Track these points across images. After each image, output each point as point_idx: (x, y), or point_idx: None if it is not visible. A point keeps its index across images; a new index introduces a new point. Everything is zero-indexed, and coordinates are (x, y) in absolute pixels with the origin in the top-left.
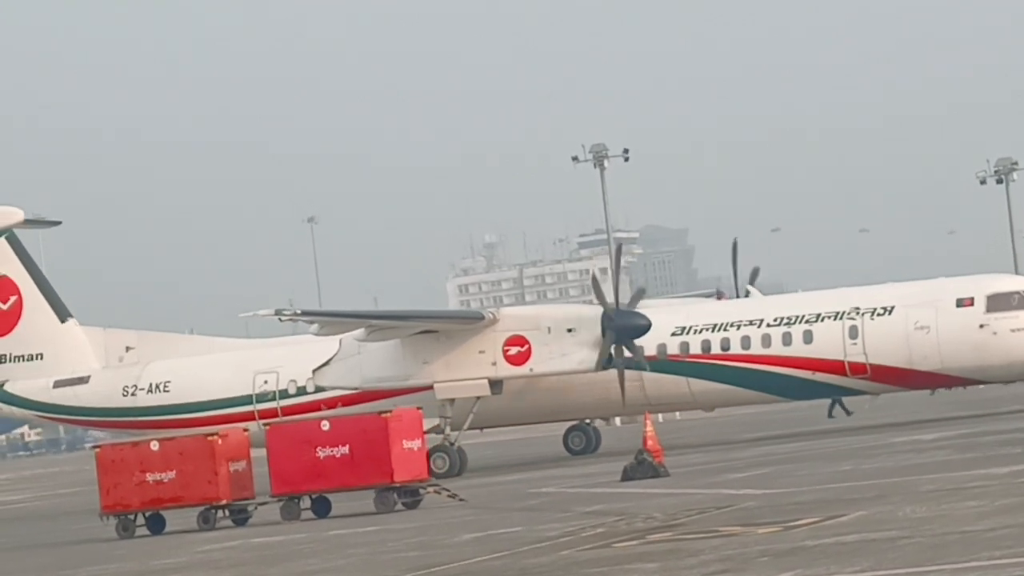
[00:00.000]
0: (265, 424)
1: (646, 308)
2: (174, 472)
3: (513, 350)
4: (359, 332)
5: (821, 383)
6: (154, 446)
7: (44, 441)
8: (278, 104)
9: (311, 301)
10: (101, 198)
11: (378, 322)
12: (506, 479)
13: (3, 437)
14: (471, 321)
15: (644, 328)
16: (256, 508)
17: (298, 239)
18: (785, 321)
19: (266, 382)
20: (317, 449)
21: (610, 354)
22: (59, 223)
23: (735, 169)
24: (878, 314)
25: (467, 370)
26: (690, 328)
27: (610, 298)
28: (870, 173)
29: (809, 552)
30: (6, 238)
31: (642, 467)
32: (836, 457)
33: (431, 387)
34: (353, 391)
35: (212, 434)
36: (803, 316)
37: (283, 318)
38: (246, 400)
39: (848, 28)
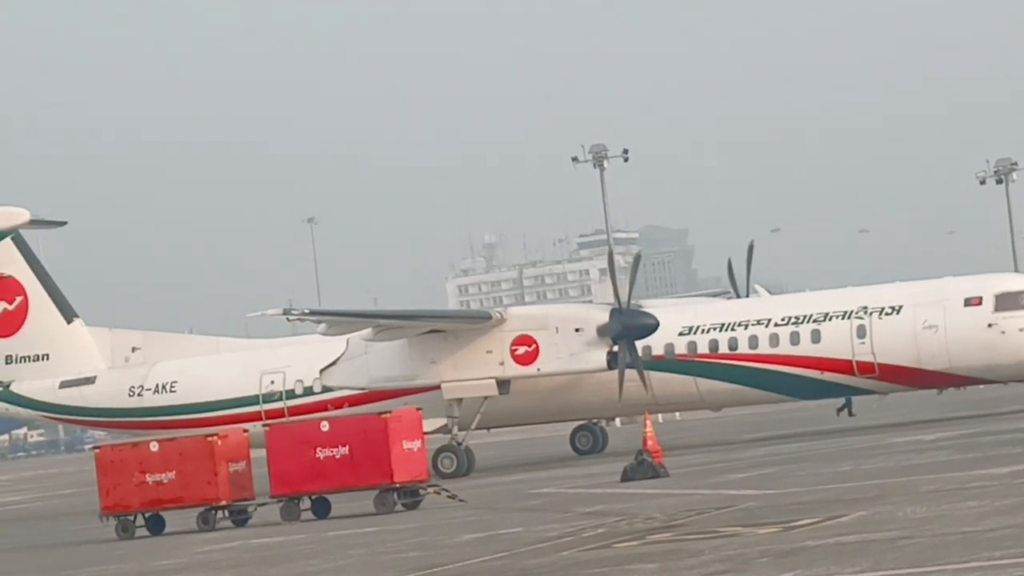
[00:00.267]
0: (265, 425)
1: (654, 308)
2: (174, 473)
3: (521, 350)
4: (366, 332)
5: (829, 383)
6: (154, 447)
7: (44, 442)
8: (278, 104)
9: (311, 301)
10: (100, 197)
11: (385, 322)
12: (507, 479)
13: (6, 437)
14: (479, 321)
15: (652, 327)
16: (256, 509)
17: (298, 239)
18: (793, 321)
19: (272, 382)
20: (317, 450)
21: (616, 353)
22: (65, 223)
23: (735, 169)
24: (886, 313)
25: (474, 370)
26: (698, 328)
27: (610, 299)
28: (870, 173)
29: (809, 552)
30: (12, 239)
31: (642, 468)
32: (836, 457)
33: (438, 387)
34: (360, 391)
35: (212, 435)
36: (811, 316)
37: (291, 318)
38: (253, 400)
39: (848, 28)
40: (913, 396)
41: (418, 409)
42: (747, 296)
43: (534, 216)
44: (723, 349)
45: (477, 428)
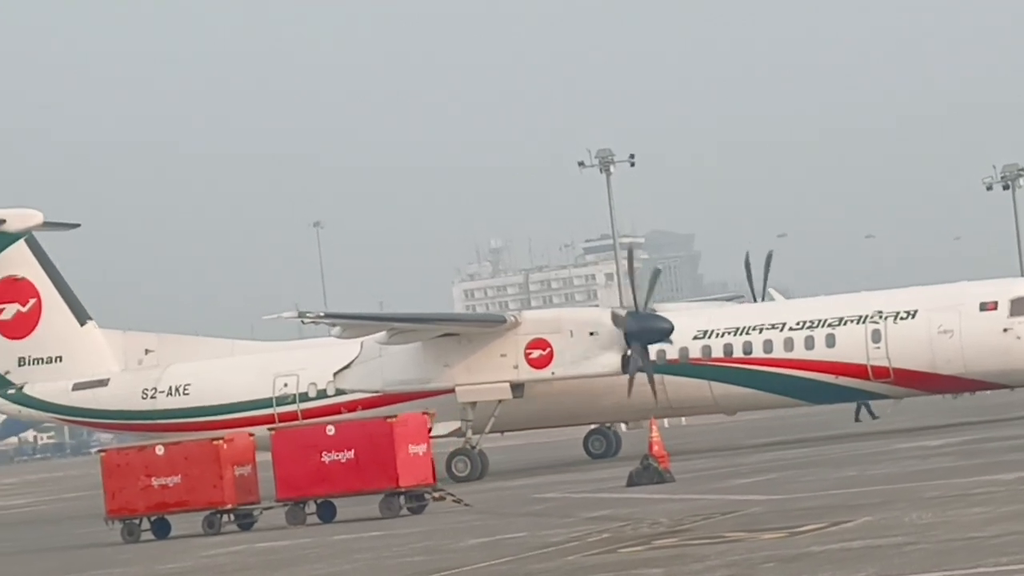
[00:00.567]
0: (270, 429)
1: (668, 311)
2: (179, 476)
3: (535, 353)
4: (381, 335)
5: (844, 387)
6: (159, 450)
7: (49, 445)
8: (285, 109)
9: (316, 305)
10: (110, 203)
11: (400, 325)
12: (512, 484)
13: (16, 439)
14: (493, 324)
15: (667, 331)
16: (261, 513)
17: (304, 243)
18: (808, 325)
19: (286, 385)
20: (322, 454)
21: (630, 357)
22: (78, 226)
23: (741, 173)
24: (901, 318)
25: (488, 373)
26: (712, 332)
27: (622, 302)
28: (876, 176)
29: (815, 558)
30: (25, 240)
31: (647, 472)
32: (842, 463)
33: (452, 390)
34: (374, 394)
35: (217, 438)
36: (826, 320)
37: (306, 320)
38: (266, 403)
39: (853, 29)
40: (925, 401)
41: (427, 413)
42: (762, 300)
43: (540, 221)
44: (737, 353)
45: (491, 432)
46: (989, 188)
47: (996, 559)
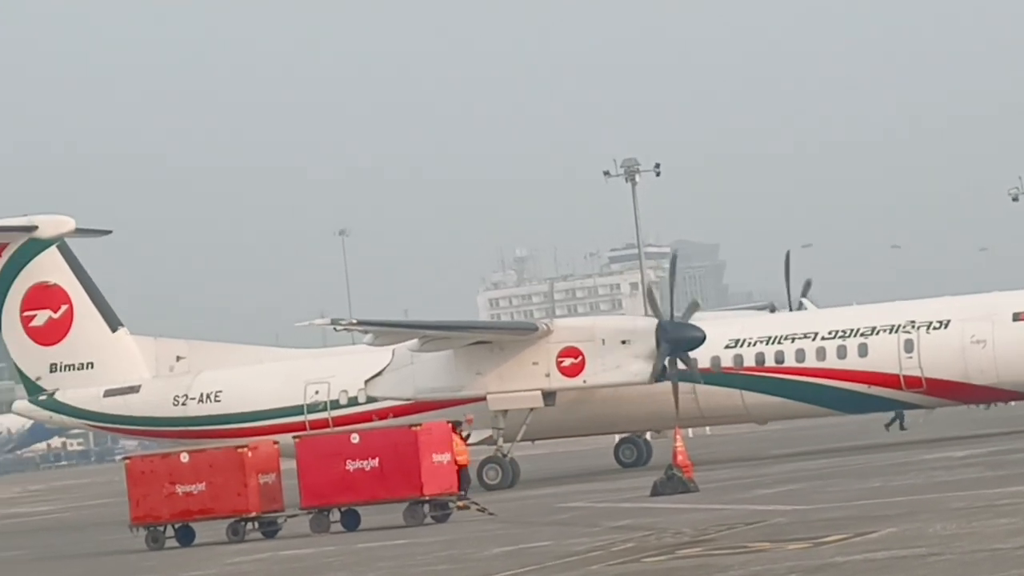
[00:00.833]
0: (295, 436)
1: (700, 320)
2: (204, 484)
3: (567, 361)
4: (412, 343)
5: (876, 397)
6: (184, 458)
7: (73, 452)
8: (314, 123)
9: (341, 313)
10: (140, 213)
11: (432, 332)
12: (537, 493)
13: (45, 445)
14: (525, 332)
15: (699, 340)
16: (285, 520)
17: (329, 251)
18: (840, 334)
19: (317, 392)
20: (347, 462)
21: (664, 366)
22: (109, 232)
23: (766, 184)
24: (934, 328)
25: (520, 381)
26: (744, 341)
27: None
28: (901, 187)
29: (839, 569)
30: (58, 247)
31: (671, 482)
32: (866, 473)
33: (484, 398)
34: (405, 402)
35: (242, 446)
36: (858, 329)
37: (339, 328)
38: (297, 410)
39: (877, 41)
40: (950, 411)
41: (467, 418)
42: (793, 309)
43: (565, 230)
44: (769, 362)
45: (522, 440)
46: (1015, 199)
47: (1020, 571)
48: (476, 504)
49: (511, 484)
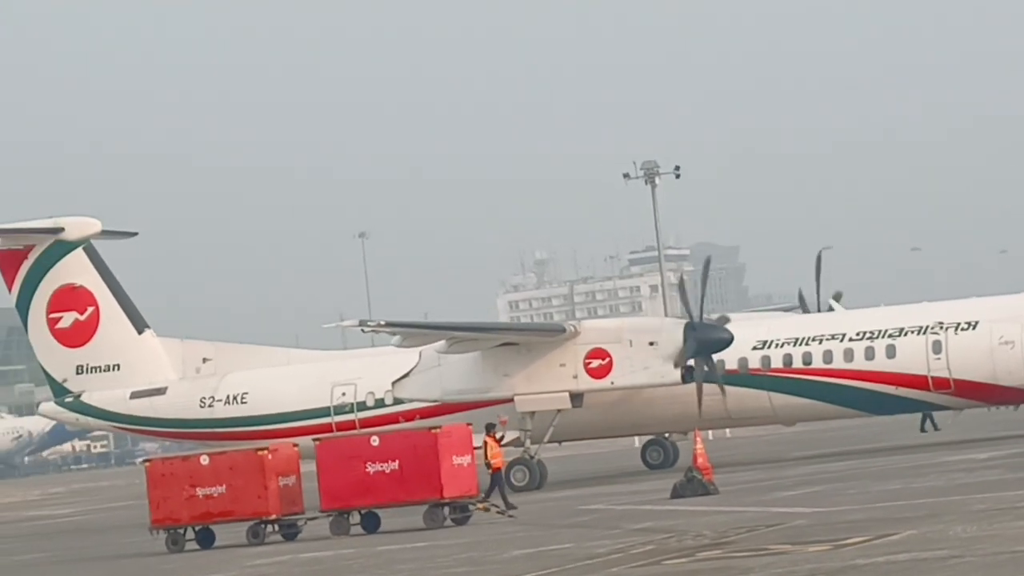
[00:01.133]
0: (315, 439)
1: (727, 322)
2: (224, 487)
3: (594, 363)
4: (439, 344)
5: (904, 398)
6: (204, 460)
7: (96, 455)
8: (334, 124)
9: (361, 316)
10: (163, 214)
11: (460, 334)
12: (557, 495)
13: (71, 446)
14: (552, 334)
15: (727, 341)
16: (306, 523)
17: (349, 254)
18: (868, 335)
19: (344, 394)
20: (367, 464)
21: (690, 368)
22: (135, 234)
23: (785, 186)
24: (962, 329)
25: (548, 383)
26: (772, 342)
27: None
28: (921, 189)
29: (860, 571)
30: (84, 249)
31: (692, 484)
32: (887, 476)
33: (511, 400)
34: (433, 403)
35: (262, 449)
36: (886, 331)
37: (366, 329)
38: (324, 412)
39: (897, 45)
40: (974, 413)
41: (501, 419)
42: (820, 311)
43: (585, 232)
44: (797, 364)
45: (549, 441)
46: None
47: None
48: (496, 506)
49: (539, 486)
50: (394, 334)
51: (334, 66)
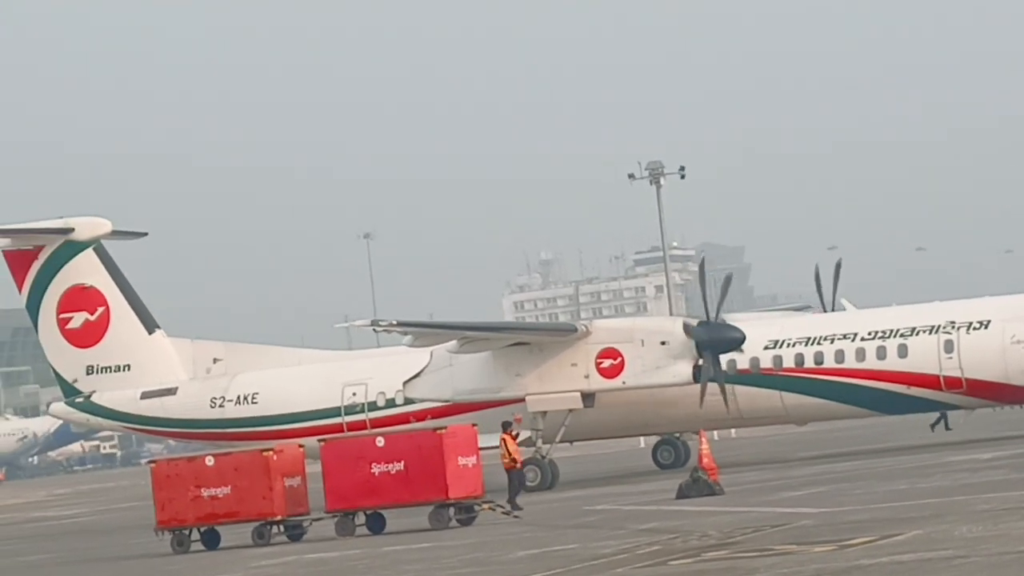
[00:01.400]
0: (320, 439)
1: (739, 321)
2: (229, 487)
3: (606, 363)
4: (451, 344)
5: (916, 397)
6: (209, 461)
7: (102, 455)
8: (337, 124)
9: (366, 316)
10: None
11: (472, 334)
12: (563, 496)
13: (80, 447)
14: (564, 333)
15: (738, 341)
16: (311, 524)
17: (353, 255)
18: (880, 335)
19: (355, 394)
20: (372, 465)
21: (701, 367)
22: (145, 235)
23: (790, 186)
24: (974, 328)
25: (559, 383)
26: (783, 342)
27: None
28: (925, 189)
29: (865, 571)
30: (94, 249)
31: (697, 485)
32: (892, 476)
33: (523, 400)
34: (444, 403)
35: (267, 450)
36: (898, 330)
37: (378, 329)
38: (334, 412)
39: (903, 44)
40: (981, 412)
41: (516, 418)
42: (832, 311)
43: (590, 233)
44: (809, 363)
45: (561, 441)
46: None
47: None
48: (501, 507)
49: (550, 486)
50: (406, 334)
51: (334, 66)
